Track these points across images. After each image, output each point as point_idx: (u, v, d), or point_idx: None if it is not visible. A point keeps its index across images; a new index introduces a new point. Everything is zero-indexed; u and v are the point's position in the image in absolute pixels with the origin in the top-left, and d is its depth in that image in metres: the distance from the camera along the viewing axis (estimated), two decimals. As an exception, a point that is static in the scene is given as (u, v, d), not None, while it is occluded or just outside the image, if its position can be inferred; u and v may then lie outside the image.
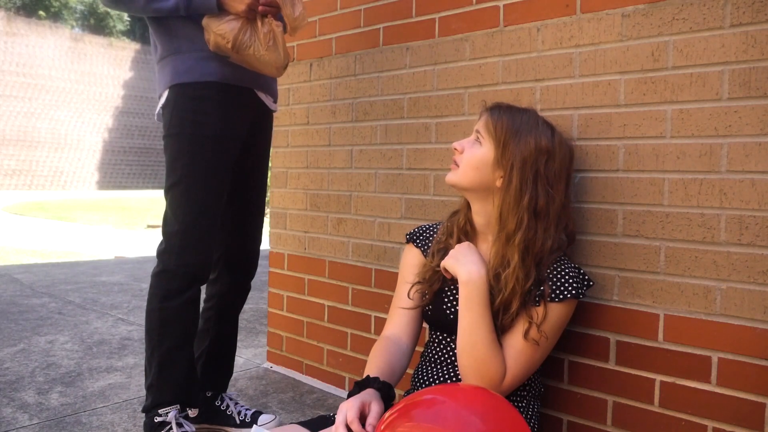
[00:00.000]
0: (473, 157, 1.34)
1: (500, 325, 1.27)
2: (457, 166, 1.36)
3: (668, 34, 1.36)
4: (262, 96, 1.75)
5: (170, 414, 1.63)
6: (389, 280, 1.95)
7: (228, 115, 1.62)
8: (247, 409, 1.86)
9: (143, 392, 2.10)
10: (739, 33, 1.27)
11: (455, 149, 1.37)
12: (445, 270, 1.33)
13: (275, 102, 1.85)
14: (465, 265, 1.28)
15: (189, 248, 1.60)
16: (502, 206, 1.30)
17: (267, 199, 1.95)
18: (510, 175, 1.29)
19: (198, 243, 1.61)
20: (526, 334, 1.25)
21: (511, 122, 1.31)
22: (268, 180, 1.98)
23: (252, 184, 1.83)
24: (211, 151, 1.60)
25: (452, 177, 1.37)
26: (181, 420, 1.66)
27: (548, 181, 1.31)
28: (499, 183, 1.31)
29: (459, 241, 1.40)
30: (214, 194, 1.62)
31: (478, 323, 1.24)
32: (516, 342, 1.26)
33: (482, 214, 1.37)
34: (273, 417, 1.85)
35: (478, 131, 1.35)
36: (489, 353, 1.22)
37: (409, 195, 1.90)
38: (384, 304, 1.95)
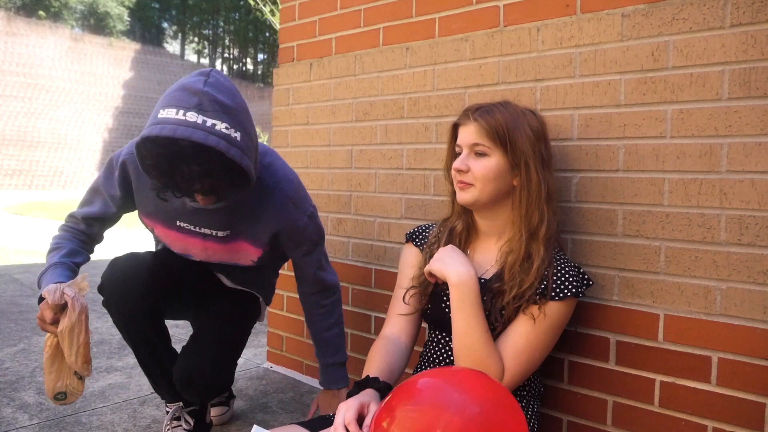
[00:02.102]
0: (488, 169, 1.29)
1: (505, 319, 1.27)
2: (470, 184, 1.31)
3: (668, 34, 1.36)
4: (220, 276, 1.77)
5: (172, 409, 1.70)
6: (389, 280, 1.95)
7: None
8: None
9: (143, 392, 2.10)
10: (739, 33, 1.27)
11: (460, 170, 1.31)
12: (431, 275, 1.32)
13: (242, 284, 1.78)
14: (453, 266, 1.26)
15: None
16: (525, 203, 1.29)
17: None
18: (527, 172, 1.28)
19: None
20: (526, 313, 1.26)
21: (503, 119, 1.29)
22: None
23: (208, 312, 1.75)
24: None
25: (469, 196, 1.32)
26: (182, 413, 1.69)
27: (549, 164, 1.33)
28: (516, 182, 1.30)
29: (461, 244, 1.40)
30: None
31: (472, 325, 1.23)
32: (516, 342, 1.25)
33: (490, 218, 1.36)
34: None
35: (476, 144, 1.30)
36: (486, 353, 1.22)
37: (409, 195, 1.90)
38: (384, 304, 1.95)
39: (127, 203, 1.61)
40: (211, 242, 1.58)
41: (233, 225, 1.54)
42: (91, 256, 1.67)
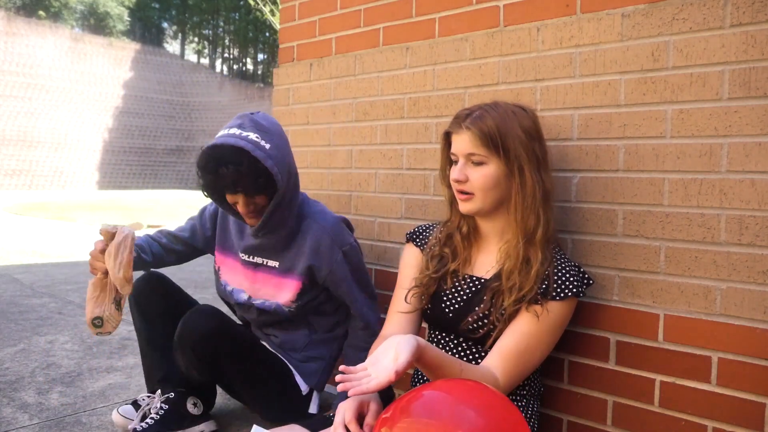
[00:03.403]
0: (487, 178, 1.29)
1: (506, 318, 1.27)
2: (471, 194, 1.31)
3: (668, 34, 1.36)
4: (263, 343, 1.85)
5: (146, 401, 1.77)
6: (389, 280, 1.95)
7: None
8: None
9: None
10: (739, 33, 1.27)
11: (459, 180, 1.31)
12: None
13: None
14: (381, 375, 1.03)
15: None
16: (520, 208, 1.28)
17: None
18: (521, 176, 1.28)
19: None
20: (529, 311, 1.24)
21: (495, 124, 1.27)
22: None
23: None
24: None
25: (472, 206, 1.32)
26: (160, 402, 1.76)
27: (544, 163, 1.32)
28: (514, 185, 1.29)
29: (463, 247, 1.38)
30: None
31: (448, 375, 1.14)
32: (518, 342, 1.25)
33: (490, 221, 1.36)
34: None
35: (472, 153, 1.28)
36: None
37: (409, 195, 1.90)
38: (384, 304, 1.95)
39: (210, 244, 1.87)
40: (262, 273, 1.75)
41: (281, 256, 1.72)
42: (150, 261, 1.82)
